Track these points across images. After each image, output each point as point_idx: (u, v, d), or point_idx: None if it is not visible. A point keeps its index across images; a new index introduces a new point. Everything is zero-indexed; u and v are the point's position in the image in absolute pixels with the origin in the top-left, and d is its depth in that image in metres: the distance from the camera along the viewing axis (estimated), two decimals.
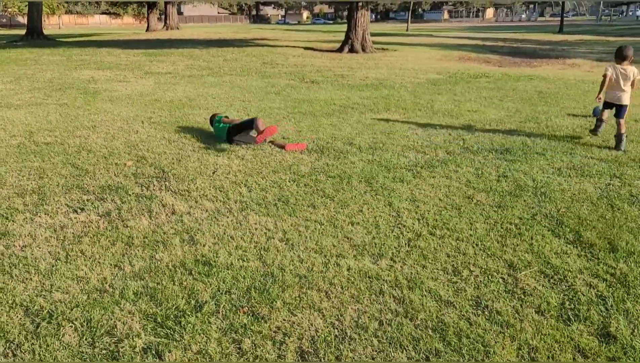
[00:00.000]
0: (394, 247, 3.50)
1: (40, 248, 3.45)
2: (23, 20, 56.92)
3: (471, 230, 3.77)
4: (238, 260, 3.32)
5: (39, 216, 3.96)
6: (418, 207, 4.21)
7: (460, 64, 14.53)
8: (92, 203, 4.21)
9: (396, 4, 73.71)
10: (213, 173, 5.02)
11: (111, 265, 3.25)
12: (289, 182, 4.81)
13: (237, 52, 16.60)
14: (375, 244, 3.54)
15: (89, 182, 4.71)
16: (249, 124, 5.84)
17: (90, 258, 3.32)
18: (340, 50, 17.01)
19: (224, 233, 3.69)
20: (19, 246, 3.48)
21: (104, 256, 3.35)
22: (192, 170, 5.08)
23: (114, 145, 5.84)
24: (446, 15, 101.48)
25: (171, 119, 7.15)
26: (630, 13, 70.69)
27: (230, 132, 5.94)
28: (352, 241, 3.60)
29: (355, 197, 4.43)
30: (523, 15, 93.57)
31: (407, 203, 4.28)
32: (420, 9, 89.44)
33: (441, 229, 3.78)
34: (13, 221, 3.88)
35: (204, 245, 3.51)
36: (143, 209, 4.12)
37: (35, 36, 28.80)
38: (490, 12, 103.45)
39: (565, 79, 11.47)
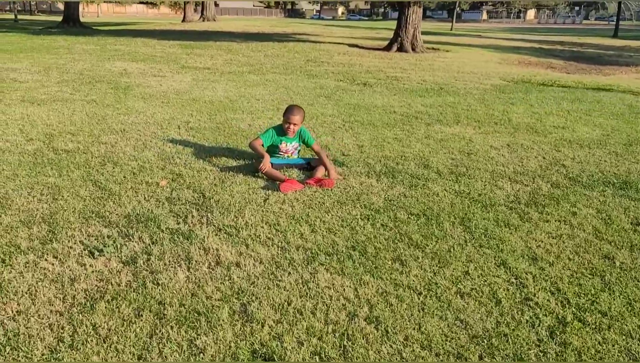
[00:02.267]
0: (534, 343, 2.43)
1: (40, 317, 2.50)
2: (62, 7, 57.30)
3: (635, 316, 2.67)
4: (312, 355, 2.30)
5: (46, 259, 3.02)
6: (543, 270, 3.13)
7: (522, 69, 13.26)
8: (114, 242, 3.25)
9: (434, 3, 71.90)
10: (264, 201, 4.02)
11: (134, 354, 2.27)
12: (362, 219, 3.78)
13: (278, 48, 15.64)
14: (505, 336, 2.48)
15: (113, 208, 3.76)
16: (307, 164, 4.78)
17: (105, 340, 2.35)
18: (388, 48, 15.86)
19: (289, 304, 2.68)
20: (12, 311, 2.54)
21: (124, 337, 2.37)
22: (239, 195, 4.10)
23: (146, 157, 4.90)
24: (485, 16, 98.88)
25: (211, 125, 6.20)
26: None
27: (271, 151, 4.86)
28: (469, 328, 2.54)
29: (453, 248, 3.37)
30: (568, 18, 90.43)
31: (527, 263, 3.20)
32: (459, 8, 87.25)
33: (592, 313, 2.69)
34: (11, 266, 2.94)
35: (262, 325, 2.50)
36: (179, 255, 3.14)
37: (71, 24, 28.43)
38: (531, 14, 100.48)
39: None
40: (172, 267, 3.01)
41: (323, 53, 14.95)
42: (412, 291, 2.86)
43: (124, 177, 4.36)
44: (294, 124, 4.72)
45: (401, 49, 15.70)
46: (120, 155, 4.92)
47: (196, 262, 3.08)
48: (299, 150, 4.99)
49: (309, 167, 4.80)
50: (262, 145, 4.74)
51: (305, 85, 9.32)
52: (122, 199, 3.91)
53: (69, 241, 3.24)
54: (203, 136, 5.73)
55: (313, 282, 2.91)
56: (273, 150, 4.86)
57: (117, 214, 3.66)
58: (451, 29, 31.45)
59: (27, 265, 2.95)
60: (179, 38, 16.87)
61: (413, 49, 15.75)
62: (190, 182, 4.32)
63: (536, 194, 4.39)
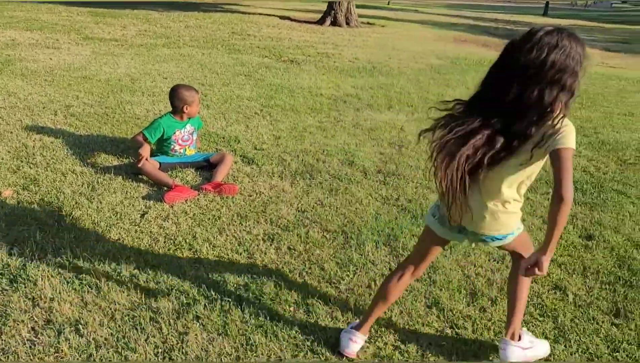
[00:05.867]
0: None
1: None
2: None
3: None
4: None
5: None
6: (484, 311, 2.45)
7: (458, 47, 12.73)
8: None
9: None
10: (141, 217, 3.13)
11: None
12: (265, 241, 2.97)
13: (203, 18, 14.36)
14: None
15: None
16: (206, 161, 3.93)
17: None
18: (321, 22, 14.92)
19: None
20: None
21: None
22: (108, 209, 3.18)
23: None
24: None
25: (99, 110, 5.14)
26: (602, 1, 70.24)
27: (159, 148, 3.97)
28: None
29: (375, 282, 2.63)
30: None
31: (464, 303, 2.51)
32: None
33: None
34: None
35: None
36: None
37: None
38: None
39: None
40: None
41: (251, 25, 13.83)
42: (317, 359, 2.10)
43: None
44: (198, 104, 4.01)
45: (335, 22, 14.81)
46: None
47: (14, 322, 2.17)
48: (195, 134, 4.11)
49: (208, 165, 3.93)
50: (147, 141, 3.82)
51: (224, 62, 8.31)
52: None
53: None
54: (84, 125, 4.69)
55: (180, 349, 2.09)
56: (165, 146, 3.93)
57: None
58: (388, 3, 30.79)
59: None
60: (94, 4, 15.22)
61: (347, 23, 14.91)
62: (46, 190, 3.34)
63: None
